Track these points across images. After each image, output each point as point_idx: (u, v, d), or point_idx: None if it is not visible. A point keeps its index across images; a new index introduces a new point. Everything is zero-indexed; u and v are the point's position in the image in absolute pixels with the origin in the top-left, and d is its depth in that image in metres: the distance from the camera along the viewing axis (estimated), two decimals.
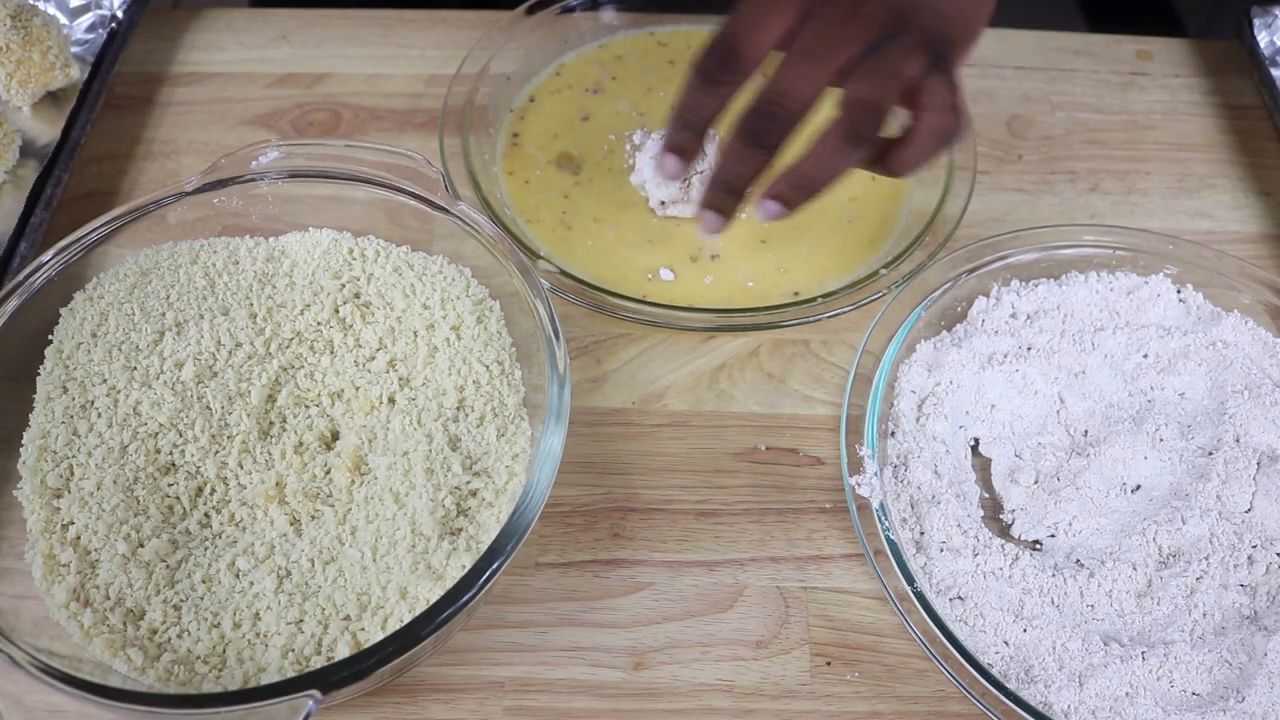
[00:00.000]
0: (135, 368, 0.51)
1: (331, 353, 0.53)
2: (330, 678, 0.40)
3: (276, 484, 0.49)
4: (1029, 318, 0.58)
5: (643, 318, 0.58)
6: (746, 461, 0.56)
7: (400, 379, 0.52)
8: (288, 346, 0.53)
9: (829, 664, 0.50)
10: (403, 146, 0.55)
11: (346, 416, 0.51)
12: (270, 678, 0.44)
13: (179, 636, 0.45)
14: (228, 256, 0.55)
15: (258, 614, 0.45)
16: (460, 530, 0.47)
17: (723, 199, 0.51)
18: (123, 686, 0.42)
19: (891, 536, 0.49)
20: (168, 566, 0.46)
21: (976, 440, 0.56)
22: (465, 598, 0.42)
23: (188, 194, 0.54)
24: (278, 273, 0.55)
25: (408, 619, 0.43)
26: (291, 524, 0.48)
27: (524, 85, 0.70)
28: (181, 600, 0.46)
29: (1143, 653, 0.47)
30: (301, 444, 0.50)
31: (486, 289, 0.54)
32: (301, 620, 0.45)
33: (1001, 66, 0.74)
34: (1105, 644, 0.48)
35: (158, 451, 0.49)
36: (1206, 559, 0.50)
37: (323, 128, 0.69)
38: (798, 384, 0.59)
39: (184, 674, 0.44)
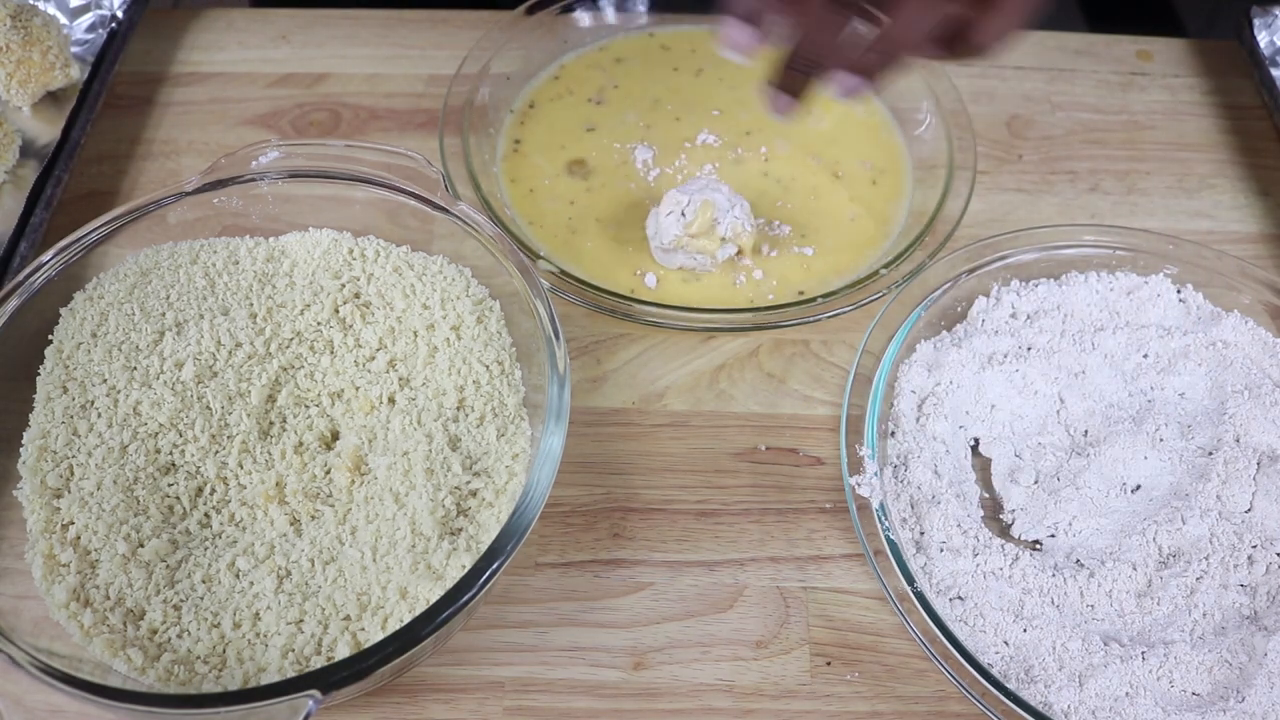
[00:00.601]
0: (135, 368, 0.51)
1: (331, 353, 0.53)
2: (330, 678, 0.40)
3: (276, 484, 0.49)
4: (1029, 318, 0.58)
5: (643, 318, 0.58)
6: (746, 461, 0.56)
7: (400, 379, 0.52)
8: (288, 346, 0.53)
9: (829, 664, 0.50)
10: (403, 146, 0.55)
11: (346, 416, 0.51)
12: (270, 678, 0.44)
13: (179, 636, 0.45)
14: (228, 256, 0.55)
15: (258, 614, 0.45)
16: (460, 530, 0.47)
17: (794, 79, 0.49)
18: (123, 686, 0.42)
19: (891, 536, 0.49)
20: (168, 566, 0.46)
21: (976, 440, 0.56)
22: (465, 598, 0.42)
23: (188, 194, 0.54)
24: (278, 273, 0.55)
25: (408, 619, 0.43)
26: (291, 524, 0.48)
27: (524, 86, 0.70)
28: (181, 600, 0.46)
29: (1143, 653, 0.47)
30: (301, 444, 0.50)
31: (486, 289, 0.54)
32: (301, 620, 0.45)
33: (1001, 66, 0.74)
34: (1105, 644, 0.48)
35: (158, 451, 0.49)
36: (1206, 559, 0.50)
37: (323, 128, 0.69)
38: (798, 384, 0.59)
39: (184, 674, 0.44)
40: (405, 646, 0.41)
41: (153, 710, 0.40)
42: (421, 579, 0.45)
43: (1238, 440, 0.53)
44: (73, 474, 0.48)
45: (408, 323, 0.53)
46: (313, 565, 0.46)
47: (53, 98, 0.67)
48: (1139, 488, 0.53)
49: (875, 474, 0.51)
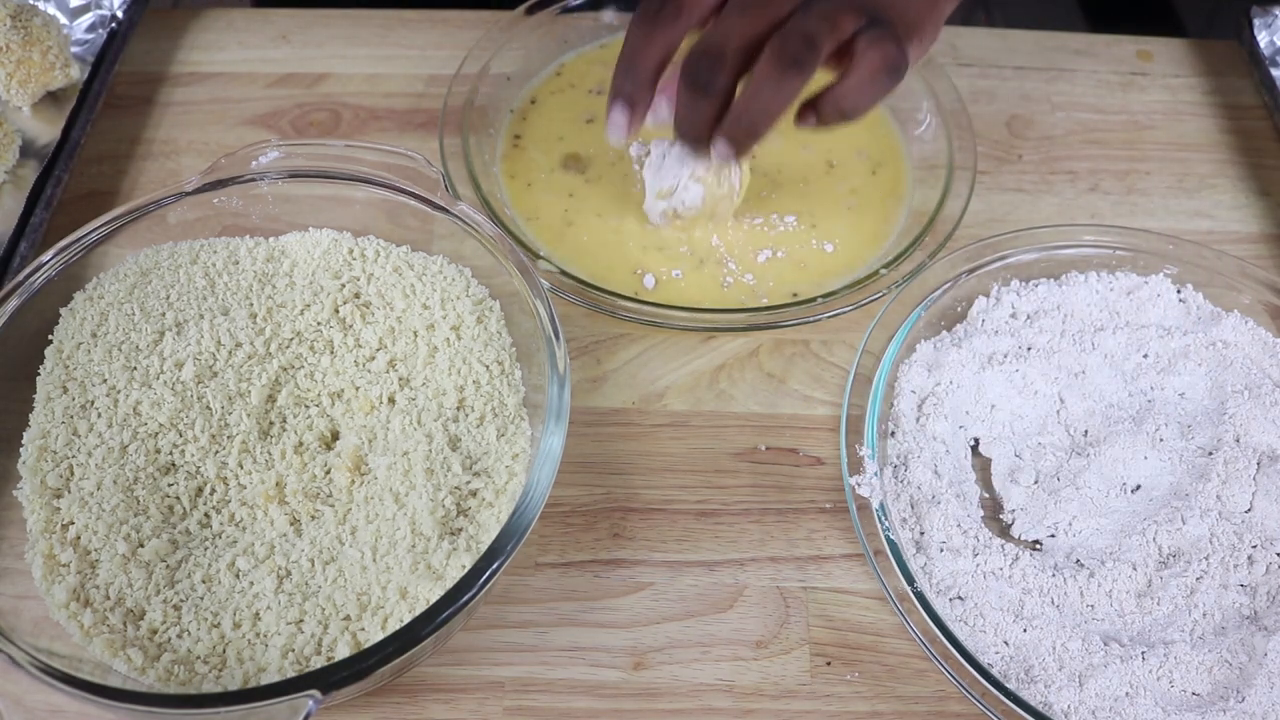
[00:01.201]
0: (135, 368, 0.51)
1: (331, 353, 0.53)
2: (330, 678, 0.40)
3: (276, 484, 0.49)
4: (1029, 318, 0.58)
5: (643, 318, 0.58)
6: (746, 461, 0.56)
7: (400, 379, 0.52)
8: (288, 346, 0.53)
9: (829, 664, 0.50)
10: (403, 146, 0.55)
11: (346, 416, 0.51)
12: (270, 678, 0.44)
13: (179, 636, 0.45)
14: (228, 256, 0.55)
15: (258, 614, 0.45)
16: (460, 530, 0.47)
17: (692, 146, 0.54)
18: (123, 686, 0.42)
19: (891, 536, 0.49)
20: (168, 566, 0.46)
21: (976, 440, 0.56)
22: (465, 598, 0.42)
23: (188, 194, 0.54)
24: (278, 273, 0.55)
25: (408, 619, 0.43)
26: (291, 524, 0.48)
27: (524, 85, 0.70)
28: (181, 600, 0.46)
29: (1143, 653, 0.47)
30: (301, 444, 0.50)
31: (486, 289, 0.54)
32: (301, 620, 0.45)
33: (1001, 66, 0.74)
34: (1105, 644, 0.48)
35: (158, 451, 0.49)
36: (1206, 559, 0.50)
37: (323, 128, 0.69)
38: (798, 384, 0.59)
39: (184, 674, 0.44)
40: (405, 646, 0.41)
41: (153, 710, 0.40)
42: (421, 579, 0.45)
43: (1238, 440, 0.53)
44: (73, 474, 0.48)
45: (408, 323, 0.53)
46: (313, 565, 0.46)
47: (53, 98, 0.67)
48: (1139, 488, 0.53)
49: (875, 474, 0.51)
